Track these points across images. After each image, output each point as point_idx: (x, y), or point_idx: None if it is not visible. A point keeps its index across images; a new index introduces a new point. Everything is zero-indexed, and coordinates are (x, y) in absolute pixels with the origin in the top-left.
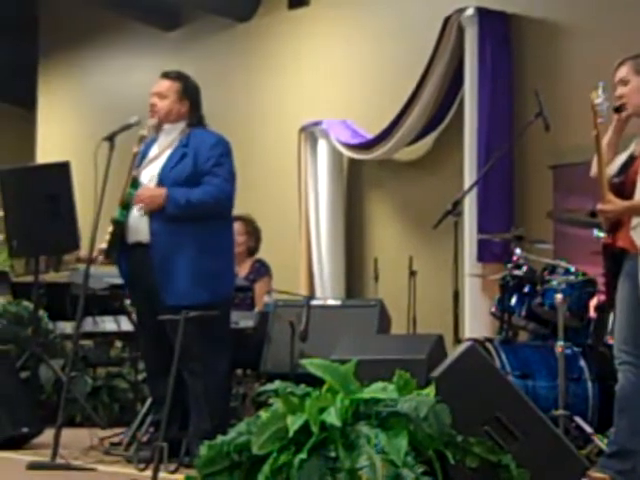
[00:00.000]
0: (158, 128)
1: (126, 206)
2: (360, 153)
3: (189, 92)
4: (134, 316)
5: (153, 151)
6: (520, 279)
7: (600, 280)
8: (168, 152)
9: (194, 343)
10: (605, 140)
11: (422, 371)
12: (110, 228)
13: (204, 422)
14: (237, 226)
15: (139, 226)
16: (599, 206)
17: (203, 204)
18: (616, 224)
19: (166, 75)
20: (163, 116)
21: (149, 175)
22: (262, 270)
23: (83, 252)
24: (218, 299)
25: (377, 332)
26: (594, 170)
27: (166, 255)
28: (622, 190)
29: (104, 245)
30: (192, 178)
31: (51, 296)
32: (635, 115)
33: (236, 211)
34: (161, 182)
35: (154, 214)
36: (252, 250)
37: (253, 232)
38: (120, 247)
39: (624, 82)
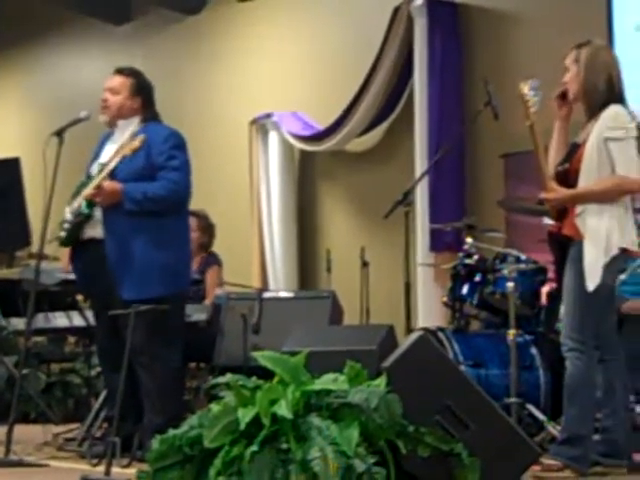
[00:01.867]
0: (112, 123)
1: (91, 201)
2: (311, 145)
3: (142, 88)
4: (87, 312)
5: (110, 147)
6: (472, 268)
7: (551, 268)
8: None
9: (146, 337)
10: (555, 127)
11: (373, 362)
12: (69, 217)
13: (156, 416)
14: (191, 222)
15: (94, 222)
16: (543, 195)
17: (160, 198)
18: (561, 212)
19: (119, 71)
20: (115, 112)
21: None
22: (211, 260)
23: (34, 248)
24: (173, 293)
25: (329, 323)
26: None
27: (121, 250)
28: (566, 178)
29: (63, 234)
30: (146, 172)
31: (3, 292)
32: (578, 101)
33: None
34: (114, 177)
35: (108, 210)
36: (205, 246)
37: (207, 228)
38: (73, 243)
39: (567, 69)
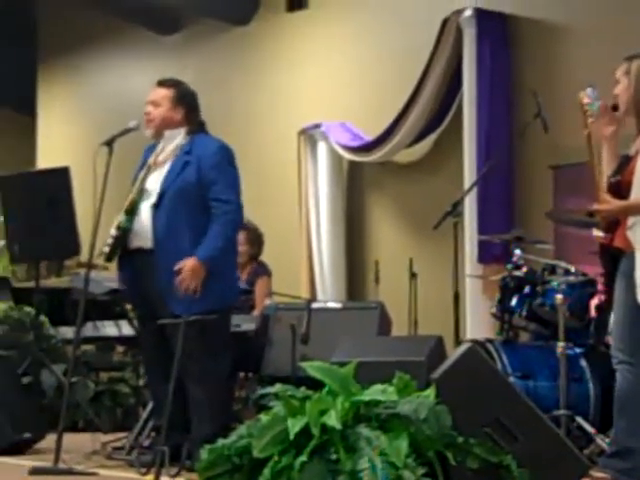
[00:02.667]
0: (157, 136)
1: (131, 212)
2: (360, 155)
3: (184, 98)
4: (135, 321)
5: (157, 159)
6: (520, 280)
7: (600, 280)
8: (171, 160)
9: (194, 347)
10: (605, 139)
11: (422, 373)
12: (113, 232)
13: (205, 426)
14: (240, 236)
15: (142, 232)
16: (595, 206)
17: (229, 238)
18: (613, 224)
19: (160, 83)
20: (158, 124)
21: (153, 182)
22: (260, 270)
23: (84, 257)
24: (221, 304)
25: (378, 334)
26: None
27: (170, 263)
28: (619, 190)
29: (106, 249)
30: (196, 186)
31: (52, 301)
32: (628, 114)
33: None
34: (165, 191)
35: (157, 221)
36: (254, 256)
37: (255, 239)
38: (121, 252)
39: (617, 82)
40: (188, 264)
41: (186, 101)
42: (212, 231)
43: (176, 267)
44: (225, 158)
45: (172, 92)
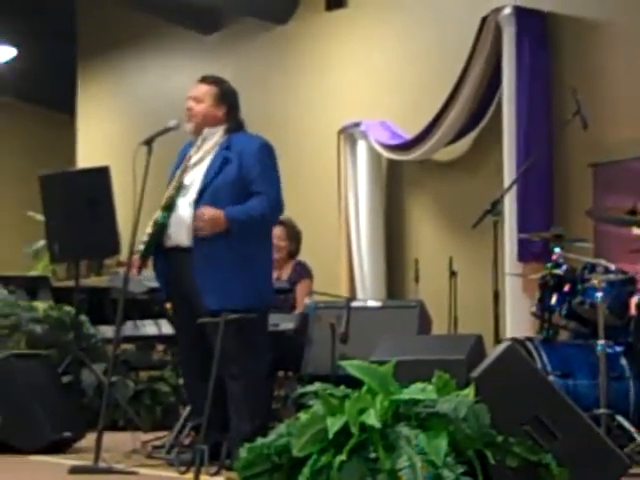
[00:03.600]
0: (197, 132)
1: (168, 208)
2: (399, 154)
3: (226, 96)
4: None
5: (194, 156)
6: (560, 278)
7: None
8: (210, 156)
9: (233, 346)
10: None
11: (461, 371)
12: (149, 229)
13: (244, 425)
14: (278, 231)
15: (178, 230)
16: None
17: (262, 216)
18: None
19: (203, 79)
20: (200, 120)
21: (192, 178)
22: (303, 272)
23: (124, 256)
24: (258, 302)
25: (418, 333)
26: None
27: (207, 260)
28: None
29: (141, 246)
30: (237, 183)
31: (92, 300)
32: None
33: None
34: (205, 187)
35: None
36: (293, 253)
37: (294, 236)
38: (156, 250)
39: None
40: (212, 211)
41: (228, 99)
42: (251, 201)
43: (200, 210)
44: (267, 155)
45: (215, 89)
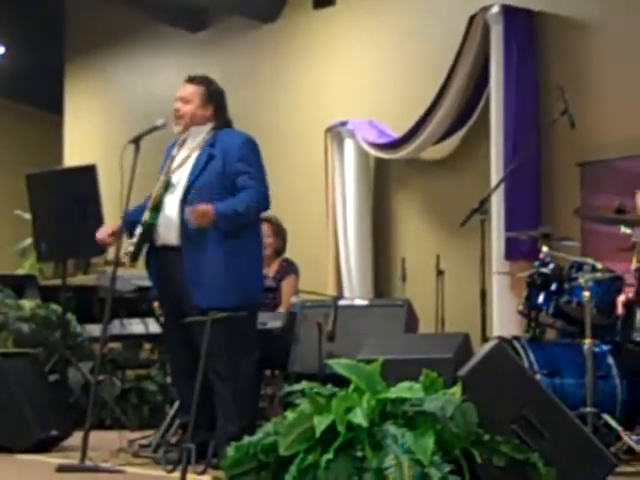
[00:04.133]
0: (184, 131)
1: (156, 208)
2: (387, 152)
3: (213, 96)
4: (162, 318)
5: (181, 153)
6: (547, 277)
7: (628, 277)
8: (195, 154)
9: (221, 345)
10: None
11: (449, 370)
12: (138, 230)
13: (231, 424)
14: (264, 228)
15: (168, 229)
16: None
17: (249, 210)
18: None
19: (190, 80)
20: (188, 121)
21: (178, 177)
22: (289, 268)
23: (111, 255)
24: (247, 301)
25: (405, 332)
26: None
27: (196, 257)
28: None
29: (131, 248)
30: (223, 179)
31: (79, 299)
32: None
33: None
34: (191, 185)
35: (184, 215)
36: (279, 250)
37: (279, 233)
38: (147, 249)
39: None
40: (203, 205)
41: (215, 99)
42: (238, 196)
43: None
44: (251, 150)
45: (202, 89)
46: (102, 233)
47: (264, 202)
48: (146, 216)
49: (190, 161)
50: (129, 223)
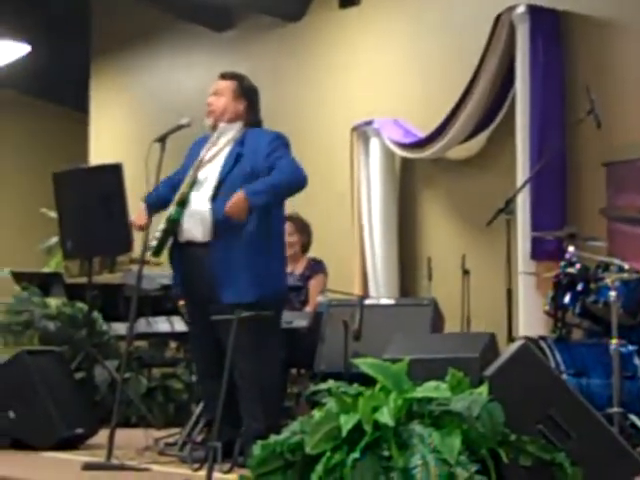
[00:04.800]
0: (214, 127)
1: (182, 204)
2: (412, 152)
3: (245, 91)
4: (186, 316)
5: (210, 151)
6: (574, 277)
7: None
8: (225, 152)
9: (246, 343)
10: None
11: (475, 370)
12: (162, 225)
13: (257, 422)
14: (287, 226)
15: (192, 225)
16: None
17: (282, 183)
18: None
19: (223, 76)
20: (219, 115)
21: (206, 174)
22: (317, 267)
23: (136, 253)
24: (274, 297)
25: (431, 331)
26: None
27: (222, 253)
28: None
29: (154, 242)
30: (252, 177)
31: (105, 297)
32: None
33: (288, 210)
34: (221, 183)
35: (213, 213)
36: (305, 247)
37: (303, 229)
38: (170, 245)
39: None
40: (235, 197)
41: (248, 94)
42: (271, 173)
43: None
44: (281, 143)
45: (234, 84)
46: (140, 219)
47: (300, 176)
48: (171, 210)
49: (219, 159)
50: (157, 199)
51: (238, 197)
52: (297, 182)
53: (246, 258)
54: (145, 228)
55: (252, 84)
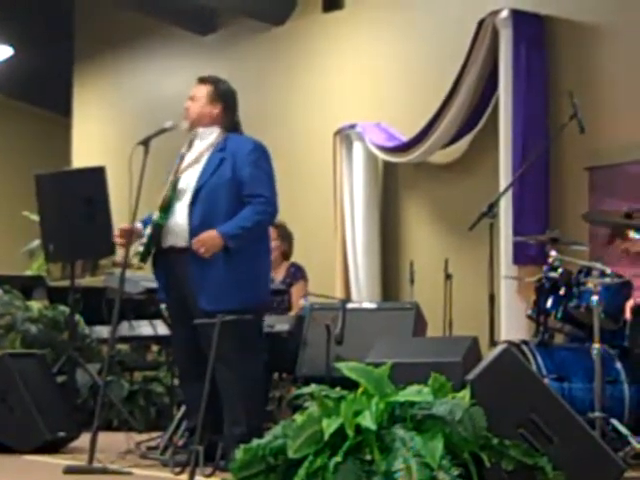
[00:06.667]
0: (193, 129)
1: (166, 209)
2: (395, 156)
3: (221, 95)
4: (169, 320)
5: (190, 155)
6: (556, 281)
7: (636, 282)
8: (205, 157)
9: (229, 347)
10: None
11: (457, 374)
12: (148, 230)
13: (239, 426)
14: (270, 232)
15: (175, 230)
16: None
17: (256, 223)
18: None
19: (200, 80)
20: (195, 119)
21: (187, 180)
22: (298, 274)
23: (119, 257)
24: (254, 303)
25: (413, 335)
26: None
27: (203, 260)
28: None
29: (140, 248)
30: (231, 184)
31: (87, 300)
32: None
33: None
34: (200, 188)
35: (192, 218)
36: (286, 254)
37: (285, 236)
38: (156, 251)
39: None
40: (205, 234)
41: (224, 98)
42: (242, 213)
43: (194, 240)
44: (261, 156)
45: (210, 88)
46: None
47: (272, 210)
48: (155, 217)
49: (199, 164)
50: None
51: (209, 235)
52: (270, 219)
53: (225, 263)
54: (127, 237)
55: (229, 87)
